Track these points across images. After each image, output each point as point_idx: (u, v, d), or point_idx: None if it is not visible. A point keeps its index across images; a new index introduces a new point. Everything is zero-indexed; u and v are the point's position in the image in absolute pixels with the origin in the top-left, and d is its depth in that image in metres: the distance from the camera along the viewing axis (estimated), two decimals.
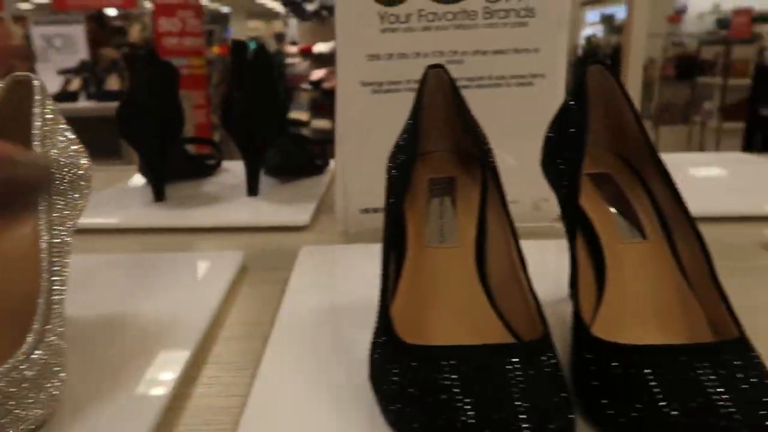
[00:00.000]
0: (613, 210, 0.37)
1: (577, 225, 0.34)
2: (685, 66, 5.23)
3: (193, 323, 0.37)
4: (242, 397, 0.31)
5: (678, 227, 0.35)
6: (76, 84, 2.37)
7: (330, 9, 4.66)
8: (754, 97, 3.92)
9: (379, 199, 0.56)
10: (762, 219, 0.61)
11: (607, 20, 6.16)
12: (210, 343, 0.37)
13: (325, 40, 4.91)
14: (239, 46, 0.66)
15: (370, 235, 0.57)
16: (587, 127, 0.36)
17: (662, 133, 5.28)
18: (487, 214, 0.36)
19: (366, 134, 0.56)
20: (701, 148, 5.12)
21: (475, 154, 0.38)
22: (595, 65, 0.38)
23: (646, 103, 5.37)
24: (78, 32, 2.63)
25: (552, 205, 0.59)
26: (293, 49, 6.13)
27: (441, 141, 0.41)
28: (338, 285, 0.47)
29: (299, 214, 0.63)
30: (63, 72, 2.43)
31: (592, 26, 6.65)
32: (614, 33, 5.67)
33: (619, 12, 5.45)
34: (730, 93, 4.63)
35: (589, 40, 5.91)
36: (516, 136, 0.55)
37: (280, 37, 8.63)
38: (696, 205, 0.62)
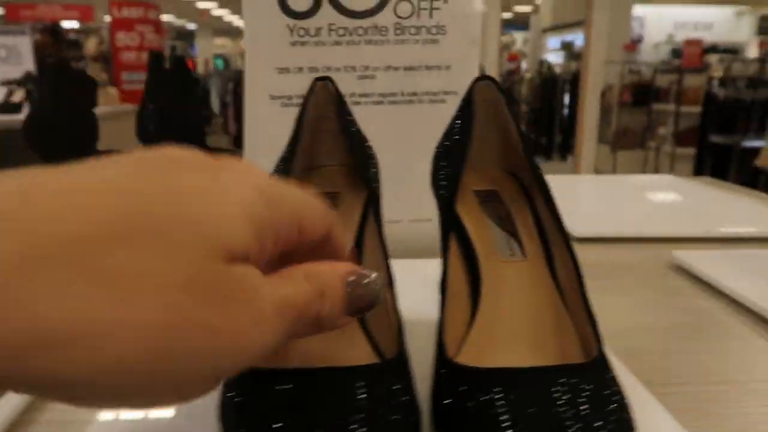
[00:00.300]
0: (497, 227, 0.36)
1: (450, 240, 0.33)
2: (641, 93, 5.38)
3: None
4: None
5: (557, 247, 0.34)
6: (19, 95, 2.31)
7: None
8: (704, 125, 4.05)
9: None
10: (673, 240, 0.62)
11: (567, 47, 6.32)
12: None
13: None
14: (156, 57, 0.65)
15: None
16: (469, 141, 0.35)
17: (620, 157, 5.40)
18: (365, 232, 0.35)
19: (275, 148, 0.55)
20: (656, 172, 5.26)
21: (359, 170, 0.37)
22: (483, 80, 0.38)
23: (605, 128, 5.50)
24: (24, 43, 2.57)
25: None
26: None
27: (331, 155, 0.41)
28: None
29: None
30: (6, 83, 2.36)
31: (553, 52, 6.81)
32: (574, 59, 5.81)
33: (578, 39, 5.60)
34: (683, 119, 4.78)
35: (542, 63, 6.05)
36: (429, 152, 0.55)
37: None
38: (612, 226, 0.64)
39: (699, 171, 4.22)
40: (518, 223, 0.36)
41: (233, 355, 0.17)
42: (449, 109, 0.56)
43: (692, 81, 4.66)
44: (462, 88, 0.56)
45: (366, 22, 0.53)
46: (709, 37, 6.49)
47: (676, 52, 5.95)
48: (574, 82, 5.35)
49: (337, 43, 0.53)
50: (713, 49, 5.73)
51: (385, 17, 0.53)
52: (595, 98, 5.06)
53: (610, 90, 5.51)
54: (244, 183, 0.19)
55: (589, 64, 5.02)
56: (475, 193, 0.38)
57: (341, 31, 0.53)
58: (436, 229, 0.53)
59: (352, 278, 0.22)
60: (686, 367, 0.37)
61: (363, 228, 0.35)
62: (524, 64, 7.25)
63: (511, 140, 0.38)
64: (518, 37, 10.02)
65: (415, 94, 0.55)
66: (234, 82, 5.17)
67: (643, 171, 5.37)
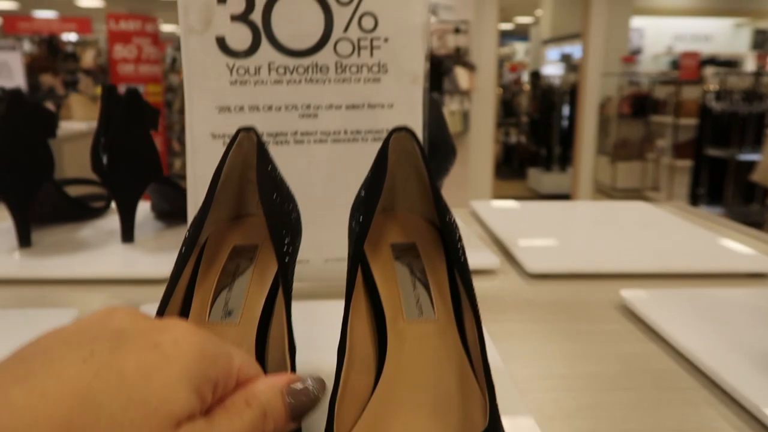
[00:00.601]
0: (409, 284, 0.36)
1: (352, 300, 0.32)
2: (640, 104, 5.38)
3: None
4: None
5: (467, 307, 0.34)
6: None
7: None
8: (700, 138, 4.04)
9: None
10: (626, 277, 0.61)
11: (566, 59, 6.32)
12: None
13: None
14: (109, 90, 0.64)
15: None
16: (379, 193, 0.35)
17: (619, 168, 5.40)
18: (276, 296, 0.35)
19: None
20: (655, 184, 5.25)
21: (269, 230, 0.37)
22: (400, 131, 0.37)
23: (604, 139, 5.50)
24: (15, 59, 2.59)
25: None
26: None
27: (257, 205, 0.40)
28: None
29: (163, 265, 0.61)
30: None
31: (553, 64, 6.82)
32: (572, 71, 5.82)
33: (577, 51, 5.60)
34: (682, 131, 4.77)
35: (535, 75, 6.05)
36: None
37: None
38: (566, 262, 0.63)
39: (696, 184, 4.20)
40: (431, 280, 0.36)
41: None
42: None
43: (690, 93, 4.65)
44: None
45: (306, 61, 0.53)
46: (707, 49, 6.49)
47: (675, 64, 5.95)
48: (572, 93, 5.36)
49: (278, 82, 0.53)
50: (712, 61, 5.72)
51: (325, 56, 0.53)
52: (593, 110, 5.08)
53: (609, 102, 5.52)
54: (183, 348, 0.21)
55: (586, 75, 5.04)
56: (393, 247, 0.38)
57: (281, 70, 0.53)
58: None
59: (289, 389, 0.24)
60: (608, 423, 0.37)
61: (275, 289, 0.35)
62: (526, 76, 7.26)
63: (428, 192, 0.37)
64: (519, 48, 10.04)
65: (358, 132, 0.55)
66: None
67: (642, 182, 5.36)
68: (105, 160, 0.63)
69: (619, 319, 0.52)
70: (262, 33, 0.52)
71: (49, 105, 2.39)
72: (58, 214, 0.74)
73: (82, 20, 4.04)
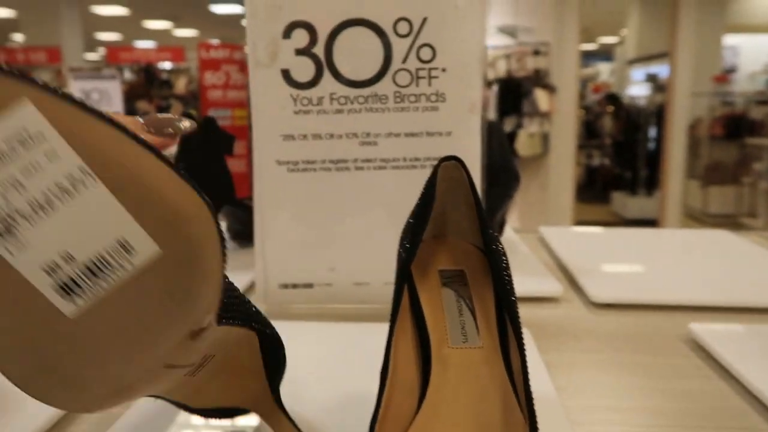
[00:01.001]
0: (455, 311, 0.36)
1: (397, 325, 0.33)
2: (734, 126, 5.10)
3: None
4: None
5: (512, 335, 0.33)
6: None
7: None
8: None
9: (298, 275, 0.57)
10: (698, 309, 0.58)
11: (652, 79, 6.10)
12: None
13: None
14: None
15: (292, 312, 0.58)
16: (423, 221, 0.35)
17: (711, 193, 5.12)
18: None
19: (282, 211, 0.57)
20: (752, 210, 4.93)
21: None
22: (449, 160, 0.38)
23: (695, 162, 5.24)
24: (115, 87, 2.80)
25: None
26: None
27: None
28: None
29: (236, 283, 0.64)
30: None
31: (638, 84, 6.59)
32: (659, 92, 5.60)
33: (664, 71, 5.39)
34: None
35: (611, 97, 5.81)
36: None
37: None
38: (633, 292, 0.61)
39: None
40: (478, 307, 0.36)
41: None
42: None
43: None
44: (463, 153, 0.56)
45: (366, 91, 0.54)
46: None
47: None
48: (659, 114, 5.15)
49: (339, 111, 0.55)
50: None
51: (384, 86, 0.54)
52: (681, 131, 4.86)
53: (699, 123, 5.26)
54: None
55: (674, 96, 4.83)
56: (441, 273, 0.38)
57: (342, 100, 0.55)
58: None
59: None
60: None
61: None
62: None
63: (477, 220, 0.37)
64: (603, 68, 9.77)
65: (417, 159, 0.56)
66: None
67: (737, 208, 5.05)
68: None
69: (686, 353, 0.50)
70: (325, 65, 0.54)
71: None
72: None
73: (177, 49, 4.31)
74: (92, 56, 8.40)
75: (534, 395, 0.38)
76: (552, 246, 0.79)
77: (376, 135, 0.55)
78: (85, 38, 7.01)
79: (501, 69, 4.39)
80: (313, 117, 0.55)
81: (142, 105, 2.96)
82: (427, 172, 0.57)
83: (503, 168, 0.67)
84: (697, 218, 5.00)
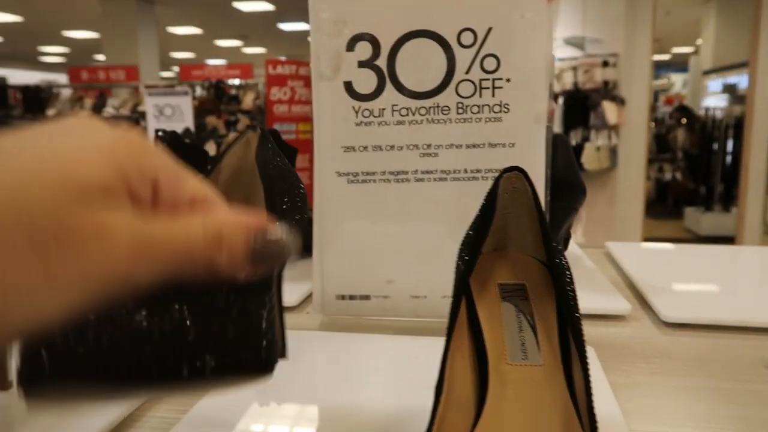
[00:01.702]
0: (515, 326, 0.35)
1: (454, 339, 0.32)
2: None
3: None
4: None
5: (575, 353, 0.32)
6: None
7: None
8: None
9: (355, 286, 0.57)
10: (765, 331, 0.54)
11: (730, 89, 5.82)
12: None
13: None
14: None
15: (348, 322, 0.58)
16: (483, 233, 0.35)
17: None
18: None
19: (341, 222, 0.57)
20: None
21: None
22: (511, 171, 0.37)
23: None
24: (186, 102, 2.92)
25: None
26: None
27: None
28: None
29: (296, 293, 0.65)
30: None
31: (714, 95, 6.31)
32: (737, 103, 5.33)
33: (743, 81, 5.14)
34: None
35: (682, 109, 5.55)
36: None
37: None
38: (708, 311, 0.57)
39: None
40: (539, 323, 0.35)
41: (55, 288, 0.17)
42: None
43: None
44: (527, 165, 0.55)
45: (428, 103, 0.54)
46: None
47: None
48: (737, 126, 4.90)
49: (400, 123, 0.55)
50: None
51: (447, 97, 0.54)
52: (762, 144, 4.60)
53: None
54: (120, 135, 0.20)
55: (754, 107, 4.58)
56: (501, 287, 0.37)
57: (404, 112, 0.55)
58: None
59: (259, 231, 0.22)
60: None
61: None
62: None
63: (539, 233, 0.36)
64: (677, 79, 9.42)
65: (479, 171, 0.55)
66: None
67: None
68: None
69: (766, 379, 0.47)
70: (387, 77, 0.54)
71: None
72: None
73: (245, 66, 4.46)
74: (167, 74, 8.81)
75: (597, 417, 0.37)
76: (619, 262, 0.76)
77: (437, 146, 0.55)
78: (161, 57, 7.37)
79: (567, 81, 4.30)
80: (375, 128, 0.55)
81: (211, 120, 3.08)
82: (488, 184, 0.57)
83: (568, 181, 0.65)
84: None
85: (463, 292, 0.33)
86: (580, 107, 4.24)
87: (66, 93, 4.69)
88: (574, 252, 0.81)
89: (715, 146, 5.08)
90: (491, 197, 0.37)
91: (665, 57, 9.65)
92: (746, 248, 0.86)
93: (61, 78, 5.27)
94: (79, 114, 0.21)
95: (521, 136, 0.54)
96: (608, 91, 4.21)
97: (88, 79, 4.73)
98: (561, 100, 4.30)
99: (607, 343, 0.54)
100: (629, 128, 4.21)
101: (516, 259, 0.39)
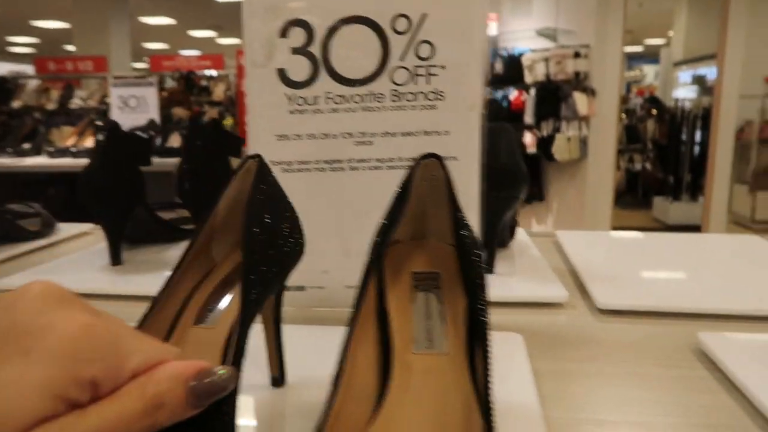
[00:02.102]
0: (423, 315, 0.35)
1: (357, 326, 0.32)
2: None
3: None
4: None
5: (480, 342, 0.32)
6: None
7: None
8: None
9: (290, 277, 0.56)
10: (704, 317, 0.55)
11: (699, 81, 5.90)
12: None
13: None
14: (193, 122, 0.69)
15: None
16: (393, 222, 0.34)
17: (759, 199, 4.92)
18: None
19: None
20: None
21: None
22: (428, 158, 0.37)
23: (742, 167, 5.04)
24: (151, 93, 2.87)
25: None
26: None
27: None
28: None
29: None
30: (132, 130, 2.64)
31: (684, 87, 6.39)
32: (706, 94, 5.41)
33: (712, 73, 5.21)
34: None
35: (653, 99, 5.61)
36: None
37: None
38: (641, 298, 0.58)
39: None
40: (450, 311, 0.34)
41: None
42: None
43: None
44: (462, 153, 0.55)
45: (362, 90, 0.54)
46: None
47: None
48: (705, 117, 4.97)
49: (335, 111, 0.54)
50: None
51: (381, 84, 0.53)
52: (728, 135, 4.68)
53: (749, 126, 5.06)
54: (54, 353, 0.22)
55: (721, 98, 4.66)
56: (414, 276, 0.37)
57: (338, 99, 0.54)
58: None
59: (194, 381, 0.23)
60: None
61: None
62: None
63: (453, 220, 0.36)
64: (649, 70, 9.52)
65: (414, 159, 0.54)
66: None
67: None
68: (187, 185, 0.68)
69: (692, 364, 0.47)
70: (321, 64, 0.54)
71: (176, 135, 2.64)
72: (151, 235, 0.80)
73: (217, 57, 4.39)
74: (140, 65, 8.66)
75: (512, 405, 0.37)
76: (566, 250, 0.77)
77: (372, 134, 0.54)
78: (134, 48, 7.23)
79: (539, 72, 4.32)
80: (309, 116, 0.54)
81: (177, 111, 3.03)
82: None
83: (510, 170, 0.65)
84: (744, 225, 4.81)
85: (368, 281, 0.33)
86: (551, 98, 4.26)
87: (33, 84, 4.58)
88: (522, 240, 0.81)
89: (684, 137, 5.15)
90: (405, 185, 0.37)
91: (638, 48, 9.74)
92: (695, 235, 0.87)
93: (29, 69, 5.14)
94: (31, 291, 0.23)
95: (456, 124, 0.53)
96: (579, 82, 4.24)
97: (56, 70, 4.62)
98: (533, 91, 4.32)
99: (540, 330, 0.54)
100: (600, 119, 4.24)
101: (434, 247, 0.38)
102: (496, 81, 4.49)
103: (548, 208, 4.39)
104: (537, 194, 4.38)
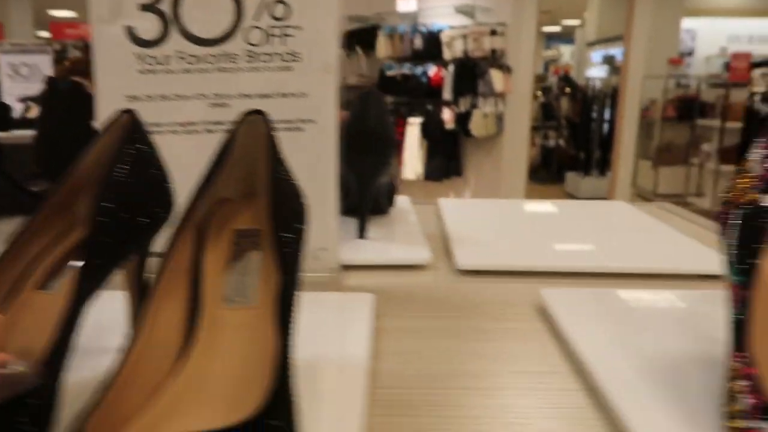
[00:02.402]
0: (239, 270, 0.35)
1: (161, 279, 0.32)
2: (686, 108, 5.19)
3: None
4: None
5: (286, 296, 0.32)
6: (35, 111, 2.40)
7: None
8: (744, 142, 3.86)
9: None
10: (554, 275, 0.58)
11: (609, 61, 6.16)
12: None
13: None
14: (51, 84, 0.66)
15: None
16: (209, 179, 0.34)
17: (661, 173, 5.22)
18: None
19: None
20: (699, 189, 5.05)
21: None
22: (253, 114, 0.37)
23: (647, 143, 5.33)
24: (44, 61, 2.71)
25: (331, 254, 0.57)
26: None
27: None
28: None
29: None
30: (23, 99, 2.49)
31: (596, 66, 6.65)
32: (615, 74, 5.66)
33: (620, 54, 5.44)
34: (729, 136, 4.58)
35: (566, 78, 5.82)
36: None
37: None
38: (492, 258, 0.60)
39: None
40: (265, 268, 0.34)
41: None
42: (306, 136, 0.55)
43: (738, 96, 4.46)
44: (319, 116, 0.55)
45: (216, 50, 0.52)
46: (765, 51, 6.20)
47: (728, 66, 5.70)
48: (614, 96, 5.21)
49: (187, 71, 0.53)
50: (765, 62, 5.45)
51: (235, 45, 0.52)
52: (634, 113, 4.92)
53: (653, 105, 5.34)
54: None
55: (627, 78, 4.89)
56: (237, 233, 0.37)
57: (191, 59, 0.52)
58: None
59: None
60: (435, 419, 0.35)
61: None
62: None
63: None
64: (566, 51, 9.84)
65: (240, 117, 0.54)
66: None
67: (686, 188, 5.17)
68: (43, 152, 0.65)
69: (532, 318, 0.50)
70: (172, 22, 0.52)
71: None
72: (16, 207, 0.76)
73: None
74: (45, 33, 8.13)
75: (341, 358, 0.38)
76: (444, 217, 0.79)
77: (228, 96, 0.53)
78: (39, 16, 6.76)
79: (458, 49, 4.37)
80: (160, 77, 0.53)
81: (80, 81, 2.88)
82: (281, 135, 0.56)
83: (379, 135, 0.65)
84: (647, 198, 5.10)
85: (178, 240, 0.32)
86: (469, 75, 4.33)
87: None
88: (403, 208, 0.82)
89: (594, 115, 5.37)
90: (226, 143, 0.36)
91: (556, 29, 10.04)
92: (569, 202, 0.91)
93: None
94: None
95: (312, 86, 0.53)
96: (496, 59, 4.33)
97: None
98: (451, 68, 4.37)
99: (398, 290, 0.55)
100: (515, 96, 4.36)
101: (258, 205, 0.38)
102: (415, 57, 4.51)
103: (466, 182, 4.49)
104: (455, 169, 4.47)
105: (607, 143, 5.24)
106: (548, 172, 5.85)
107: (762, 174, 0.37)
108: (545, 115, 6.04)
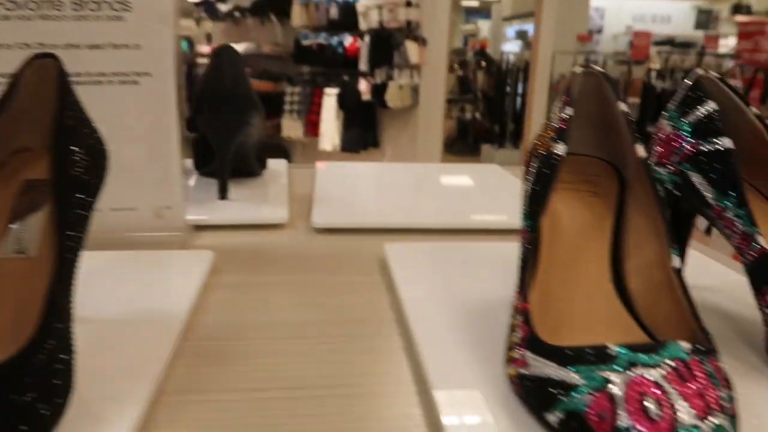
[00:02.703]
0: (22, 221, 0.33)
1: None
2: None
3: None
4: None
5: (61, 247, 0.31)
6: None
7: (243, 10, 4.58)
8: (642, 116, 4.07)
9: None
10: (404, 231, 0.59)
11: (522, 36, 6.31)
12: None
13: (238, 40, 4.82)
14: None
15: None
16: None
17: None
18: None
19: None
20: None
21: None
22: (40, 58, 0.34)
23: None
24: None
25: (176, 213, 0.55)
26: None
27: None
28: None
29: None
30: None
31: (511, 41, 6.79)
32: (528, 49, 5.80)
33: (532, 29, 5.59)
34: (630, 110, 4.80)
35: (481, 52, 5.92)
36: (127, 138, 0.51)
37: (209, 38, 8.47)
38: (344, 217, 0.61)
39: None
40: (47, 219, 0.33)
41: None
42: (142, 90, 0.53)
43: (638, 73, 4.68)
44: (156, 69, 0.53)
45: None
46: (667, 30, 6.52)
47: (632, 44, 5.96)
48: (527, 71, 5.34)
49: (6, 18, 0.49)
50: (669, 42, 5.74)
51: None
52: (544, 87, 5.08)
53: (563, 79, 5.52)
54: None
55: (538, 53, 5.03)
56: (27, 183, 0.35)
57: (9, 5, 0.49)
58: (141, 218, 0.50)
59: None
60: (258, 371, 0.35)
61: None
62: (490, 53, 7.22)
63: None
64: (483, 26, 9.99)
65: (103, 74, 0.51)
66: (188, 65, 5.07)
67: None
68: None
69: (374, 271, 0.50)
70: None
71: None
72: None
73: None
74: None
75: (158, 313, 0.37)
76: (316, 180, 0.78)
77: (53, 46, 0.50)
78: None
79: (373, 20, 4.34)
80: None
81: None
82: (115, 89, 0.54)
83: (235, 93, 0.64)
84: None
85: None
86: (384, 46, 4.32)
87: None
88: (278, 170, 0.81)
89: (508, 89, 5.50)
90: (8, 87, 0.34)
91: (474, 3, 10.16)
92: (445, 165, 0.93)
93: None
94: None
95: (146, 38, 0.51)
96: (411, 30, 4.33)
97: None
98: (367, 39, 4.34)
99: (249, 248, 0.55)
100: (430, 68, 4.39)
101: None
102: (331, 27, 4.45)
103: (383, 154, 4.50)
104: (372, 140, 4.47)
105: (520, 116, 5.38)
106: (465, 144, 5.96)
107: (559, 125, 0.39)
108: (462, 89, 6.13)
